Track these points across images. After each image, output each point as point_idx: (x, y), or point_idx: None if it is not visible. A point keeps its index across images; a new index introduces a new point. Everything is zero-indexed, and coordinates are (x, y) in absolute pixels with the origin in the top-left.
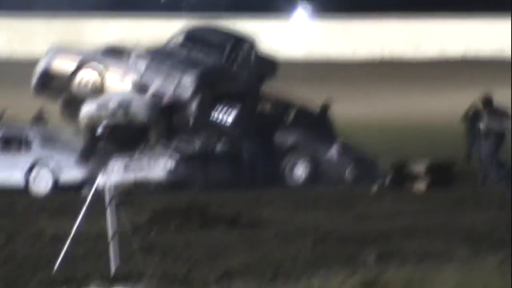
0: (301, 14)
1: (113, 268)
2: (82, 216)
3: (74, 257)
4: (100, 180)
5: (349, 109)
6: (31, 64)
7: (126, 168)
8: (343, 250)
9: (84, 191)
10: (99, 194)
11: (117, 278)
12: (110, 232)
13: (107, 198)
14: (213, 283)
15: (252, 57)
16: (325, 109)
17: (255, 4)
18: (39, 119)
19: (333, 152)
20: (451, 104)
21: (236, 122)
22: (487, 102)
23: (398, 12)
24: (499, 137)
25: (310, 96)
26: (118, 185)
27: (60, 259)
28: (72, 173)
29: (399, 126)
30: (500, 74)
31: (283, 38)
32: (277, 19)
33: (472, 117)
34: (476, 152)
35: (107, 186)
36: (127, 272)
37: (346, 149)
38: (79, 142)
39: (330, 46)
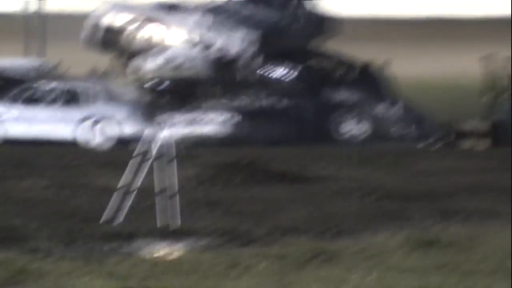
0: None
1: (160, 223)
2: (141, 170)
3: (133, 212)
4: (161, 135)
5: (406, 67)
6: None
7: (188, 122)
8: (402, 207)
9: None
10: (160, 148)
11: (175, 233)
12: (159, 188)
13: (158, 153)
14: (268, 238)
15: (311, 14)
16: (380, 68)
17: None
18: (93, 75)
19: (394, 110)
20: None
21: (297, 79)
22: None
23: None
24: None
25: (372, 55)
26: (176, 140)
27: (124, 212)
28: (133, 128)
29: (457, 84)
30: None
31: None
32: None
33: None
34: None
35: (162, 142)
36: (188, 227)
37: (406, 108)
38: (141, 97)
39: (393, 4)
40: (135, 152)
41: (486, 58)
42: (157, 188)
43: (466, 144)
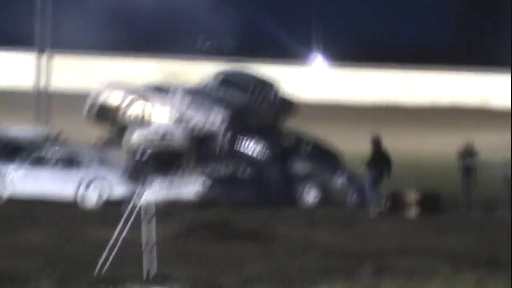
0: (317, 61)
1: (145, 272)
2: (127, 226)
3: (119, 261)
4: (144, 196)
5: (356, 145)
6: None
7: (165, 186)
8: (345, 264)
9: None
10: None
11: (154, 280)
12: (144, 241)
13: (143, 212)
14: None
15: (276, 98)
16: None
17: (276, 51)
18: (107, 142)
19: (341, 180)
20: (440, 145)
21: (260, 152)
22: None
23: (399, 63)
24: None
25: (323, 134)
26: (157, 201)
27: (108, 262)
28: (122, 189)
29: (396, 161)
30: (483, 121)
31: (300, 82)
32: (295, 66)
33: (464, 155)
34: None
35: (145, 202)
36: (165, 275)
37: (351, 178)
38: (128, 163)
39: (341, 91)
40: (127, 211)
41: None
42: (139, 241)
43: (402, 212)
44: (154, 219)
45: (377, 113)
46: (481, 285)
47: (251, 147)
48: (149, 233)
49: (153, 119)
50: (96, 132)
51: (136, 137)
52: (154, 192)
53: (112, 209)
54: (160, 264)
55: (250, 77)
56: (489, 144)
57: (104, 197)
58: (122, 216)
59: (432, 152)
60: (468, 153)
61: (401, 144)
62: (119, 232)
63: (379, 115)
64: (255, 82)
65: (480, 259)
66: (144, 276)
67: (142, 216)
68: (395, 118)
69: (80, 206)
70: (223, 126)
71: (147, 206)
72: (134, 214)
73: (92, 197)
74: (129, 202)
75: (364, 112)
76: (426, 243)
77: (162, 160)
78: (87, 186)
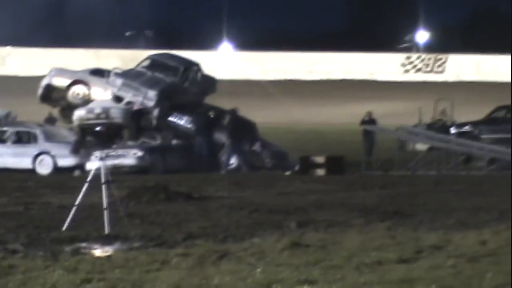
0: (227, 47)
1: (107, 229)
2: (84, 191)
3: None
4: (96, 165)
5: (264, 116)
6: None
7: (106, 156)
8: (272, 218)
9: (75, 173)
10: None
11: (109, 237)
12: (104, 203)
13: (103, 178)
14: (181, 242)
15: (199, 77)
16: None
17: (194, 41)
18: (49, 120)
19: (256, 146)
20: (335, 114)
21: (188, 125)
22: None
23: (296, 46)
24: None
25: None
26: (106, 169)
27: (67, 222)
28: (67, 160)
29: (299, 129)
30: (369, 93)
31: (213, 64)
32: (209, 51)
33: (364, 122)
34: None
35: (102, 170)
36: (117, 233)
37: (265, 145)
38: (72, 137)
39: (248, 70)
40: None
41: None
42: (94, 204)
43: (310, 172)
44: (104, 184)
45: (282, 88)
46: (391, 232)
47: (180, 120)
48: (104, 196)
49: (92, 99)
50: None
51: (77, 115)
52: (102, 162)
53: (60, 177)
54: (111, 224)
55: (177, 60)
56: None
57: (52, 167)
58: (68, 183)
59: (330, 121)
60: (369, 120)
61: (303, 114)
62: (71, 197)
63: (284, 90)
64: (182, 63)
65: (386, 211)
66: (106, 232)
67: (102, 181)
68: (295, 92)
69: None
70: (154, 103)
71: (103, 173)
72: (87, 181)
73: (43, 168)
74: (72, 172)
75: (268, 88)
76: (338, 198)
77: (102, 134)
78: (38, 159)
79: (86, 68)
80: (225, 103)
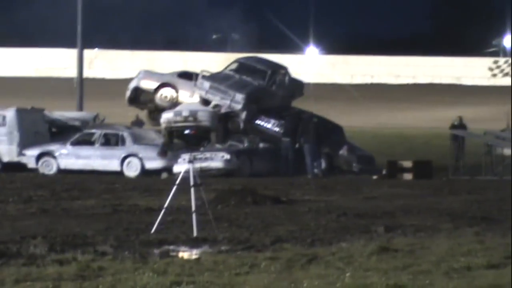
0: (313, 50)
1: (195, 232)
2: (172, 193)
3: (165, 224)
4: (184, 168)
5: (350, 120)
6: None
7: (194, 159)
8: (359, 223)
9: (162, 175)
10: (180, 177)
11: (198, 241)
12: (193, 206)
13: (191, 181)
14: (269, 246)
15: (286, 80)
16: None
17: (279, 43)
18: (137, 123)
19: (343, 151)
20: (421, 118)
21: (275, 129)
22: None
23: (383, 49)
24: None
25: (319, 111)
26: (195, 172)
27: (155, 225)
28: (154, 162)
29: (385, 133)
30: (455, 97)
31: (300, 68)
32: (295, 54)
33: (454, 126)
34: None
35: (191, 172)
36: (205, 236)
37: (352, 149)
38: (160, 140)
39: (334, 74)
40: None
41: None
42: (181, 207)
43: (398, 176)
44: (193, 188)
45: (368, 92)
46: (480, 238)
47: (267, 124)
48: (189, 200)
49: (179, 102)
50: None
51: (164, 118)
52: (190, 165)
53: (147, 179)
54: (200, 227)
55: (264, 63)
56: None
57: (139, 170)
58: (155, 185)
59: (417, 125)
60: (459, 125)
61: (390, 118)
62: (159, 199)
63: (370, 94)
64: (269, 66)
65: (474, 216)
66: (194, 235)
67: (191, 183)
68: (381, 96)
69: (123, 177)
70: (242, 106)
71: (187, 177)
72: (176, 183)
73: (130, 170)
74: (160, 174)
75: (354, 92)
76: (426, 203)
77: (189, 137)
78: (125, 161)
79: (173, 71)
80: (312, 107)
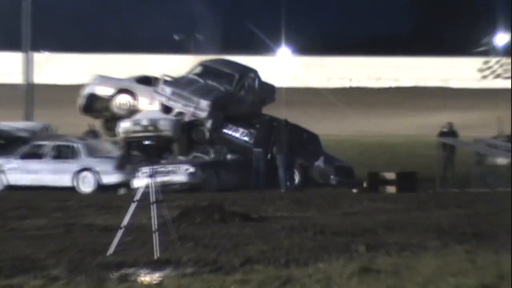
0: (285, 51)
1: (156, 254)
2: (131, 211)
3: (124, 244)
4: (144, 183)
5: (327, 127)
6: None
7: (154, 173)
8: (338, 241)
9: (120, 191)
10: (139, 193)
11: (160, 262)
12: (154, 224)
13: (152, 197)
14: (239, 267)
15: (256, 84)
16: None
17: (248, 44)
18: (90, 134)
19: (319, 162)
20: (405, 125)
21: (245, 138)
22: None
23: (362, 50)
24: None
25: (292, 118)
26: (151, 187)
27: (113, 245)
28: (111, 177)
29: (364, 142)
30: (442, 101)
31: (270, 70)
32: (265, 56)
33: (443, 134)
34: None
35: (151, 188)
36: (168, 258)
37: (329, 160)
38: (117, 152)
39: (309, 77)
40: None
41: None
42: (141, 226)
43: (379, 189)
44: (154, 204)
45: (346, 97)
46: (470, 256)
47: (236, 132)
48: (154, 217)
49: (138, 110)
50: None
51: (122, 127)
52: (150, 179)
53: (103, 195)
54: (162, 247)
55: (232, 66)
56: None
57: (95, 185)
58: (112, 202)
59: (399, 132)
60: (448, 132)
61: (370, 125)
62: (117, 217)
63: (348, 99)
64: (237, 70)
65: (464, 232)
66: (155, 257)
67: (152, 200)
68: (361, 101)
69: (76, 194)
70: (207, 113)
71: (146, 192)
72: (135, 200)
73: (85, 186)
74: (117, 190)
75: (331, 96)
76: (411, 218)
77: (149, 148)
78: (79, 176)
79: (131, 75)
80: (284, 114)
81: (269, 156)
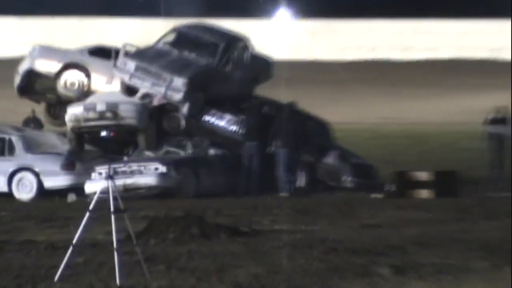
0: (284, 14)
1: (118, 280)
2: (83, 224)
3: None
4: (100, 187)
5: (338, 112)
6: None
7: (114, 173)
8: (359, 262)
9: (69, 198)
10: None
11: None
12: (114, 241)
13: (111, 205)
14: None
15: (247, 57)
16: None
17: (237, 4)
18: (31, 122)
19: (331, 157)
20: (442, 109)
21: (233, 128)
22: None
23: (386, 12)
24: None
25: (296, 99)
26: (115, 192)
27: (60, 269)
28: (57, 179)
29: (389, 131)
30: (488, 78)
31: (266, 38)
32: (258, 19)
33: (491, 121)
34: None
35: (110, 193)
36: (132, 284)
37: (343, 155)
38: (64, 147)
39: (315, 47)
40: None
41: None
42: (98, 243)
43: (411, 194)
44: (113, 215)
45: (364, 73)
46: None
47: (220, 120)
48: (114, 231)
49: (94, 89)
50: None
51: (74, 112)
52: (101, 182)
53: (47, 203)
54: (124, 271)
55: (215, 33)
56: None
57: (36, 190)
58: (59, 212)
59: (433, 119)
60: (497, 119)
61: (395, 109)
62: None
63: (367, 76)
64: (222, 38)
65: None
66: (117, 283)
67: (111, 209)
68: (384, 79)
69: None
70: (183, 95)
71: (103, 200)
72: (89, 210)
73: (23, 191)
74: (65, 196)
75: (344, 72)
76: (450, 232)
77: (107, 141)
78: (15, 178)
79: (83, 46)
80: (284, 95)
81: (270, 149)
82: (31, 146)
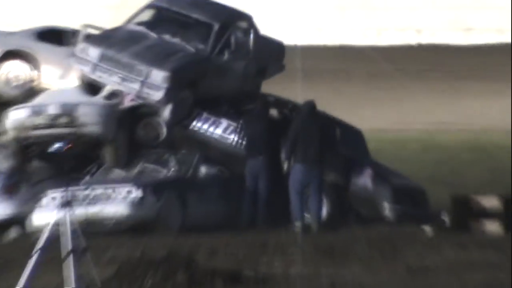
0: None
1: None
2: (30, 269)
3: None
4: (52, 217)
5: (373, 116)
6: None
7: (71, 200)
8: None
9: (10, 233)
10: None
11: None
12: None
13: (69, 243)
14: None
15: (250, 42)
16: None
17: None
18: None
19: (365, 178)
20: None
21: (232, 137)
22: None
23: None
24: None
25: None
26: (71, 225)
27: None
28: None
29: (445, 141)
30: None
31: (277, 16)
32: None
33: None
34: None
35: (67, 226)
36: None
37: (382, 174)
38: (4, 163)
39: (340, 27)
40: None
41: None
42: None
43: (476, 227)
44: (69, 256)
45: (408, 62)
46: None
47: (215, 127)
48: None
49: (44, 85)
50: None
51: (13, 119)
52: (53, 211)
53: None
54: None
55: (206, 9)
56: None
57: None
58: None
59: (501, 125)
60: None
61: (448, 110)
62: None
63: (412, 66)
64: (216, 16)
65: None
66: None
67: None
68: (434, 69)
69: None
70: (164, 94)
71: (55, 236)
72: (37, 250)
73: None
74: (5, 230)
75: (381, 61)
76: None
77: (62, 155)
78: None
79: (28, 28)
80: (301, 93)
81: (285, 166)
82: None
